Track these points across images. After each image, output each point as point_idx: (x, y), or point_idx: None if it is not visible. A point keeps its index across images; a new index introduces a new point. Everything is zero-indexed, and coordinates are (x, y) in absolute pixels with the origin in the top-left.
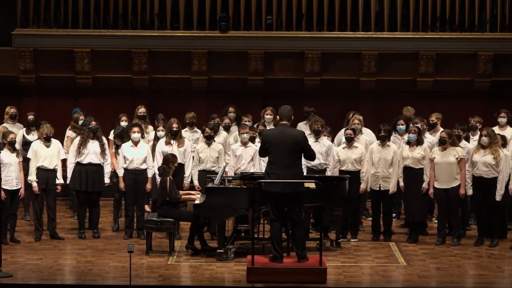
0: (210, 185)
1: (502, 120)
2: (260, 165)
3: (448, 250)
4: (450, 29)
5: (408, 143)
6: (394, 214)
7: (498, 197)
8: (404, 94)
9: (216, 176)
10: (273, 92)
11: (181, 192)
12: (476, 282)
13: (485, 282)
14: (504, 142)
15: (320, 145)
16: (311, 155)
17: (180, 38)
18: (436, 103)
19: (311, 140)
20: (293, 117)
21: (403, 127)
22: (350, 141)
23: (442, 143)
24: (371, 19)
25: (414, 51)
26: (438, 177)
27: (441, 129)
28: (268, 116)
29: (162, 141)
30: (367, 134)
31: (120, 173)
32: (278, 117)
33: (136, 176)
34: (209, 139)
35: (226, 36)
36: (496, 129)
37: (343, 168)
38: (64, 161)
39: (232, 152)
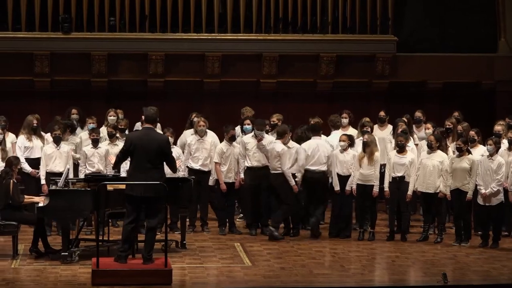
0: (53, 187)
1: (344, 121)
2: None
3: (293, 250)
4: (293, 30)
5: None
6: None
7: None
8: (247, 95)
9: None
10: (117, 93)
11: (25, 196)
12: (320, 282)
13: (328, 281)
14: (351, 142)
15: None
16: (170, 162)
17: (22, 40)
18: (279, 104)
19: None
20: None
21: (249, 126)
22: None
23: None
24: (214, 20)
25: (257, 52)
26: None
27: None
28: (112, 118)
29: None
30: (211, 136)
31: None
32: (142, 117)
33: None
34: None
35: (69, 37)
36: (340, 130)
37: None
38: None
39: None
